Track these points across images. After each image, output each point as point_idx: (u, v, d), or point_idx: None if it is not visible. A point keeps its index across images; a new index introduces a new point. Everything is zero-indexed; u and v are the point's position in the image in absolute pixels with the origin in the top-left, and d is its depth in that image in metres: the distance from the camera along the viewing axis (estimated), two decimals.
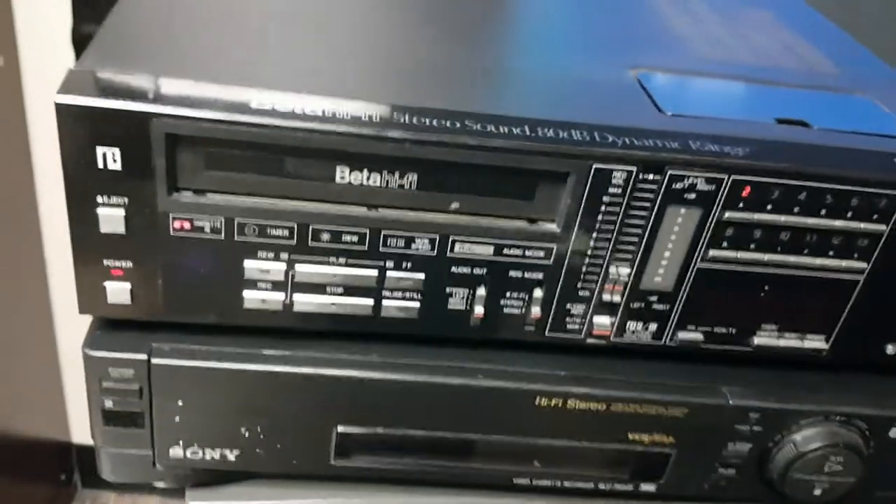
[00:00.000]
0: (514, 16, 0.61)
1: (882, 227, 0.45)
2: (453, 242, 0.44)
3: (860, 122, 0.50)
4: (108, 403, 0.45)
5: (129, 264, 0.42)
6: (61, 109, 0.37)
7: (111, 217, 0.40)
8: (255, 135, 0.39)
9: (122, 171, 0.39)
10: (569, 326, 0.47)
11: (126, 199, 0.40)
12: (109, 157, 0.38)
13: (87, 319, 0.46)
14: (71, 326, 1.18)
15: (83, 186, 0.39)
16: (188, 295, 0.43)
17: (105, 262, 0.42)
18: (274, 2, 0.53)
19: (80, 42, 0.91)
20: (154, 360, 0.44)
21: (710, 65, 0.55)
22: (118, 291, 0.42)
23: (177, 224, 0.41)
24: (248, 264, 0.43)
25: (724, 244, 0.45)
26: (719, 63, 0.55)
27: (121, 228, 0.40)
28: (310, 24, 0.51)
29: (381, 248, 0.43)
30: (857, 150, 0.46)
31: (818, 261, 0.46)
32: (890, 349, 0.50)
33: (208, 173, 0.40)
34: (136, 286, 0.43)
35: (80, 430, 1.34)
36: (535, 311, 0.46)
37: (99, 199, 0.39)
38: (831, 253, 0.46)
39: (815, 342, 0.49)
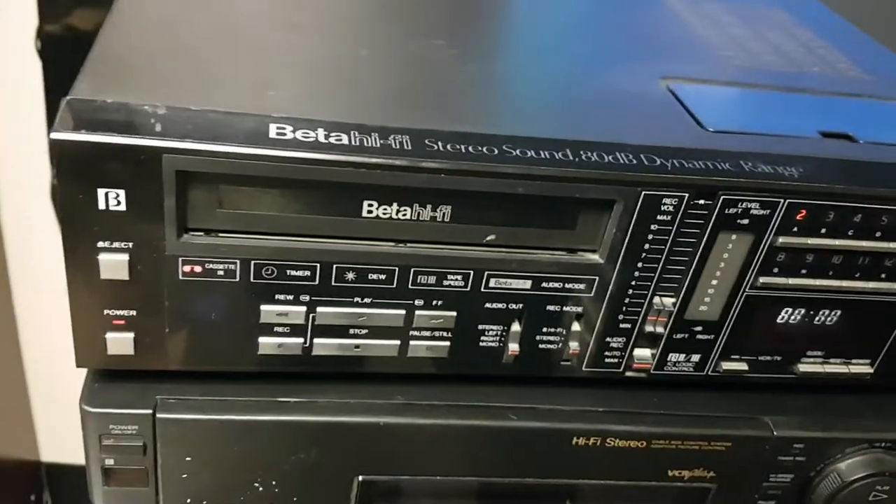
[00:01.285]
0: (532, 27, 0.57)
1: None
2: (488, 277, 0.40)
3: None
4: (109, 462, 0.41)
5: (133, 313, 0.37)
6: (58, 146, 0.32)
7: (113, 263, 0.36)
8: (276, 169, 0.35)
9: (126, 213, 0.34)
10: (607, 360, 0.44)
11: (130, 244, 0.35)
12: (112, 198, 0.34)
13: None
14: (36, 339, 1.12)
15: (82, 230, 0.35)
16: (197, 343, 0.39)
17: (106, 311, 0.37)
18: (272, 17, 0.49)
19: (47, 42, 0.85)
20: (160, 415, 0.40)
21: (738, 72, 0.52)
22: (120, 342, 0.38)
23: (186, 268, 0.37)
24: (265, 308, 0.38)
25: (776, 270, 0.42)
26: (747, 70, 0.52)
27: (124, 274, 0.36)
28: (317, 40, 0.47)
29: (409, 286, 0.40)
30: None
31: (870, 284, 0.43)
32: None
33: (221, 212, 0.36)
34: (140, 336, 0.38)
35: (50, 449, 1.28)
36: (574, 345, 0.43)
37: (100, 243, 0.35)
38: (883, 276, 0.43)
39: (861, 367, 0.47)
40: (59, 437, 1.27)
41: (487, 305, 0.41)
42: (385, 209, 0.37)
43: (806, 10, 0.67)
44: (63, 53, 0.86)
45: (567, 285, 0.41)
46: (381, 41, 0.48)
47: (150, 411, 0.40)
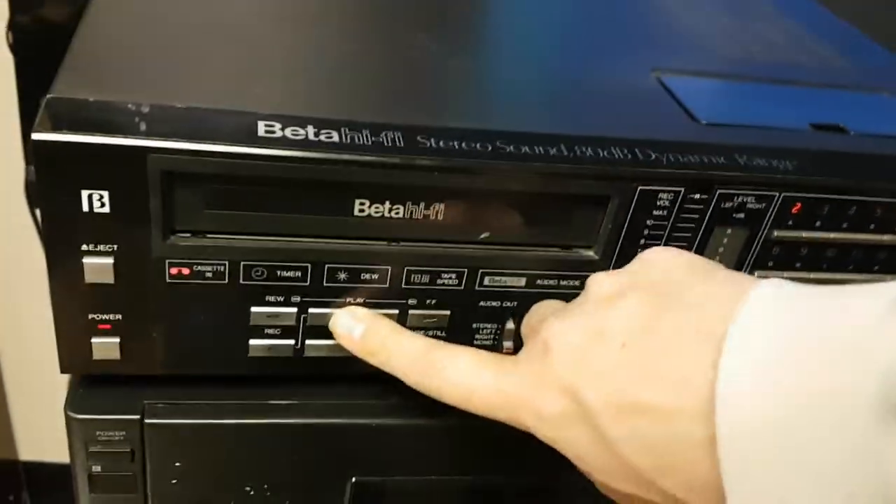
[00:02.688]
0: (522, 20, 0.56)
1: None
2: (482, 275, 0.39)
3: (892, 123, 0.48)
4: (96, 468, 0.40)
5: (119, 317, 0.36)
6: (40, 147, 0.31)
7: (98, 266, 0.34)
8: (265, 168, 0.34)
9: (110, 215, 0.33)
10: None
11: (115, 246, 0.34)
12: (96, 200, 0.33)
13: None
14: (11, 337, 1.10)
15: (65, 233, 0.33)
16: (186, 346, 0.38)
17: (91, 315, 0.36)
18: (258, 10, 0.48)
19: (19, 36, 0.83)
20: (148, 420, 0.39)
21: (727, 63, 0.52)
22: (106, 347, 0.37)
23: (174, 270, 0.35)
24: (256, 310, 0.38)
25: (770, 263, 0.42)
26: (736, 61, 0.52)
27: (109, 278, 0.35)
28: (305, 33, 0.46)
29: (403, 286, 0.39)
30: None
31: (863, 276, 0.43)
32: None
33: (209, 213, 0.35)
34: (127, 340, 0.37)
35: (27, 447, 1.26)
36: None
37: (84, 246, 0.34)
38: (877, 268, 0.43)
39: None
40: (37, 436, 1.25)
41: (482, 304, 0.40)
42: (377, 207, 0.37)
43: (792, 2, 0.67)
44: (36, 47, 0.83)
45: (562, 282, 0.40)
46: (369, 35, 0.47)
47: (137, 417, 0.39)
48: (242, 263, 0.36)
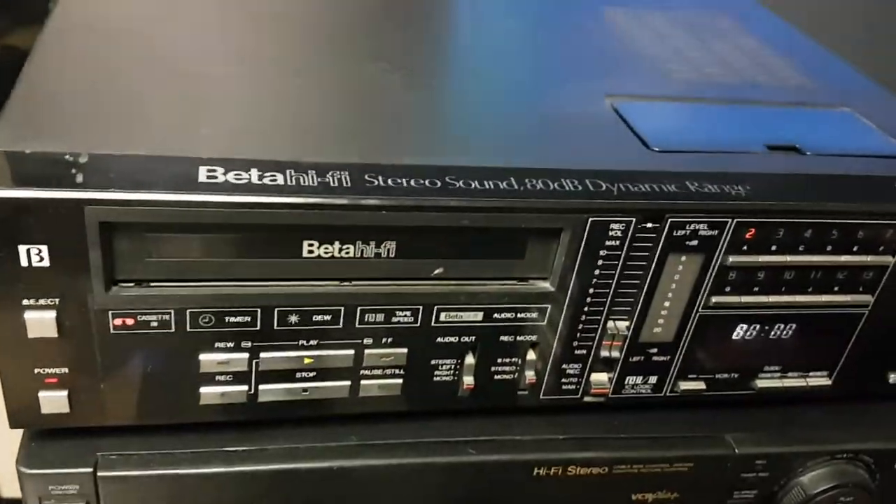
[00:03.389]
0: (475, 50, 0.56)
1: (888, 258, 0.42)
2: (438, 311, 0.39)
3: (849, 140, 0.48)
4: None
5: (65, 370, 0.36)
6: None
7: (40, 321, 0.34)
8: (208, 215, 0.33)
9: (50, 268, 0.33)
10: (565, 387, 0.43)
11: (57, 300, 0.34)
12: (35, 254, 0.32)
13: None
14: None
15: (5, 288, 0.33)
16: (136, 396, 0.37)
17: (36, 370, 0.35)
18: (204, 50, 0.47)
19: None
20: (101, 473, 0.38)
21: (683, 86, 0.52)
22: (54, 401, 0.36)
23: (118, 321, 0.35)
24: (205, 357, 0.37)
25: (727, 289, 0.41)
26: (692, 83, 0.52)
27: (52, 332, 0.34)
28: (252, 71, 0.45)
29: (357, 325, 0.38)
30: (856, 177, 0.43)
31: (823, 297, 0.43)
32: (892, 378, 0.48)
33: (152, 261, 0.34)
34: (75, 393, 0.37)
35: (9, 486, 1.24)
36: (530, 374, 0.42)
37: (25, 301, 0.33)
38: (836, 288, 0.43)
39: (819, 379, 0.47)
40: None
41: (439, 340, 0.40)
42: (327, 248, 0.36)
43: (751, 17, 0.67)
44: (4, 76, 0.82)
45: (519, 315, 0.40)
46: (319, 70, 0.47)
47: (90, 469, 0.38)
48: (189, 311, 0.35)
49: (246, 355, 0.37)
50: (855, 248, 0.42)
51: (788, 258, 0.41)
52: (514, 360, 0.41)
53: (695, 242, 0.39)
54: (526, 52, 0.55)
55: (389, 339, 0.39)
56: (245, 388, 0.38)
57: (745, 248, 0.40)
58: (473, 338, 0.40)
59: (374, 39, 0.53)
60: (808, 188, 0.41)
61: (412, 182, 0.36)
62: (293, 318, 0.37)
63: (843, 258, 0.42)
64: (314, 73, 0.46)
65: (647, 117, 0.46)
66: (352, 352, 0.39)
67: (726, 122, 0.48)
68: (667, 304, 0.41)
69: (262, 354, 0.38)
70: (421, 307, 0.39)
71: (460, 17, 0.62)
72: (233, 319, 0.36)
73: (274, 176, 0.35)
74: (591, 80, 0.50)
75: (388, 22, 0.56)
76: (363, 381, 0.40)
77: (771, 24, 0.67)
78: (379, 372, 0.40)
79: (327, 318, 0.38)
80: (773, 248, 0.40)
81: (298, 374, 0.39)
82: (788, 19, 0.68)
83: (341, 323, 0.38)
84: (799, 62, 0.58)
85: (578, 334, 0.41)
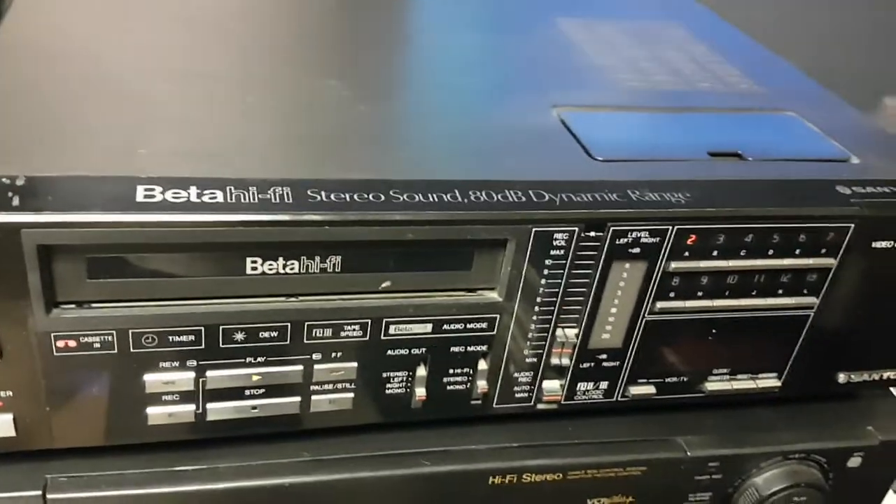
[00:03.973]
0: (420, 59, 0.57)
1: (831, 260, 0.43)
2: (387, 324, 0.39)
3: (791, 144, 0.48)
4: None
5: (10, 393, 0.35)
6: None
7: None
8: (146, 235, 0.33)
9: None
10: (517, 395, 0.44)
11: None
12: None
13: None
14: None
15: None
16: (83, 418, 0.37)
17: None
18: (149, 66, 0.47)
19: None
20: (50, 495, 0.38)
21: (631, 95, 0.52)
22: (0, 425, 0.36)
23: (60, 343, 0.35)
24: (150, 378, 0.37)
25: (672, 294, 0.42)
26: (640, 92, 0.53)
27: None
28: (199, 88, 0.45)
29: (305, 341, 0.38)
30: (797, 181, 0.44)
31: (768, 301, 0.44)
32: (841, 377, 0.49)
33: (92, 282, 0.34)
34: (21, 416, 0.36)
35: None
36: (482, 384, 0.42)
37: None
38: (780, 291, 0.44)
39: (768, 381, 0.47)
40: None
41: (389, 352, 0.40)
42: (271, 264, 0.36)
43: (700, 24, 0.68)
44: None
45: (469, 325, 0.40)
46: (269, 86, 0.47)
47: (39, 493, 0.38)
48: (131, 332, 0.35)
49: (192, 374, 0.37)
50: (797, 252, 0.42)
51: (731, 263, 0.41)
52: (465, 370, 0.42)
53: (637, 250, 0.40)
54: (476, 64, 0.56)
55: (339, 354, 0.39)
56: (193, 407, 0.38)
57: (686, 254, 0.41)
58: (424, 350, 0.40)
59: (319, 53, 0.53)
60: (749, 193, 0.42)
61: (356, 196, 0.36)
62: (239, 336, 0.37)
63: (786, 261, 0.42)
64: (258, 89, 0.46)
65: (592, 127, 0.46)
66: (301, 367, 0.39)
67: (671, 130, 0.49)
68: (613, 310, 0.42)
69: (209, 373, 0.37)
70: (370, 321, 0.39)
71: (409, 27, 0.62)
72: (177, 339, 0.36)
73: (214, 193, 0.35)
74: (540, 91, 0.51)
75: (334, 35, 0.57)
76: (314, 397, 0.40)
77: (721, 30, 0.68)
78: (329, 387, 0.40)
79: (274, 334, 0.38)
80: (715, 253, 0.41)
81: (247, 392, 0.39)
82: (738, 25, 0.70)
83: (289, 339, 0.38)
84: (747, 68, 0.59)
85: (528, 343, 0.42)
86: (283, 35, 0.56)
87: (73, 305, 0.34)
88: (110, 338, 0.35)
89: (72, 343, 0.35)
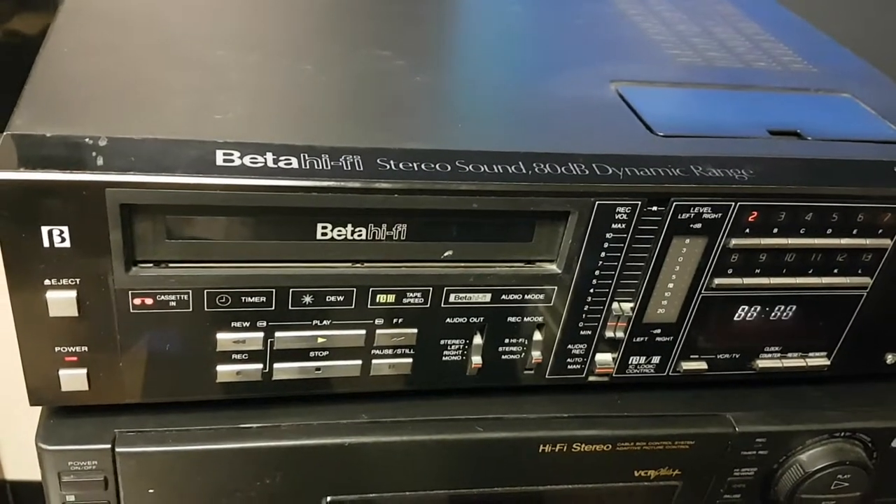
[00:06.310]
0: (478, 36, 0.57)
1: (887, 241, 0.43)
2: (448, 293, 0.40)
3: (849, 126, 0.48)
4: (70, 498, 0.40)
5: (85, 349, 0.37)
6: None
7: (61, 300, 0.35)
8: (224, 197, 0.34)
9: (71, 249, 0.34)
10: (570, 367, 0.44)
11: (78, 280, 0.34)
12: (56, 236, 0.33)
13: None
14: None
15: (27, 269, 0.34)
16: (154, 375, 0.38)
17: (57, 349, 0.36)
18: (213, 37, 0.48)
19: None
20: (119, 449, 0.39)
21: (686, 71, 0.52)
22: (74, 379, 0.37)
23: (137, 301, 0.36)
24: (222, 336, 0.38)
25: (730, 271, 0.42)
26: (695, 68, 0.53)
27: (73, 311, 0.35)
28: (261, 58, 0.46)
29: (369, 306, 0.39)
30: (856, 161, 0.44)
31: (823, 280, 0.44)
32: (890, 358, 0.49)
33: (170, 242, 0.35)
34: (94, 371, 0.37)
35: (13, 466, 1.26)
36: (536, 355, 0.43)
37: (46, 281, 0.34)
38: (836, 271, 0.44)
39: (818, 359, 0.48)
40: (23, 454, 1.24)
41: (448, 320, 0.41)
42: (340, 231, 0.37)
43: (751, 3, 0.67)
44: (7, 61, 0.83)
45: (526, 296, 0.41)
46: (325, 56, 0.48)
47: (108, 446, 0.39)
48: (206, 291, 0.36)
49: (261, 334, 0.38)
50: (854, 232, 0.42)
51: (789, 241, 0.42)
52: (520, 340, 0.42)
53: (698, 225, 0.40)
54: (532, 38, 0.56)
55: (400, 320, 0.40)
56: (260, 366, 0.39)
57: (747, 230, 0.41)
58: (482, 318, 0.41)
59: (380, 26, 0.54)
60: (809, 172, 0.42)
61: (423, 166, 0.37)
62: (307, 299, 0.38)
63: (843, 241, 0.43)
64: (323, 60, 0.47)
65: (651, 102, 0.47)
66: (363, 332, 0.40)
67: (729, 107, 0.49)
68: (670, 285, 0.42)
69: (277, 334, 0.38)
70: (431, 288, 0.39)
71: (466, 2, 0.62)
72: (249, 300, 0.37)
73: (289, 159, 0.35)
74: (596, 65, 0.51)
75: (393, 7, 0.57)
76: (374, 361, 0.41)
77: (771, 9, 0.68)
78: (389, 352, 0.41)
79: (340, 298, 0.38)
80: (775, 230, 0.41)
81: (312, 353, 0.40)
82: (787, 5, 0.69)
83: (353, 304, 0.39)
84: (799, 47, 0.59)
85: (584, 315, 0.42)
86: (340, 8, 0.56)
87: (151, 264, 0.35)
88: (186, 297, 0.36)
89: (148, 301, 0.36)
